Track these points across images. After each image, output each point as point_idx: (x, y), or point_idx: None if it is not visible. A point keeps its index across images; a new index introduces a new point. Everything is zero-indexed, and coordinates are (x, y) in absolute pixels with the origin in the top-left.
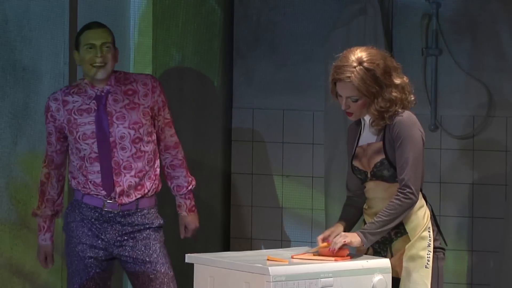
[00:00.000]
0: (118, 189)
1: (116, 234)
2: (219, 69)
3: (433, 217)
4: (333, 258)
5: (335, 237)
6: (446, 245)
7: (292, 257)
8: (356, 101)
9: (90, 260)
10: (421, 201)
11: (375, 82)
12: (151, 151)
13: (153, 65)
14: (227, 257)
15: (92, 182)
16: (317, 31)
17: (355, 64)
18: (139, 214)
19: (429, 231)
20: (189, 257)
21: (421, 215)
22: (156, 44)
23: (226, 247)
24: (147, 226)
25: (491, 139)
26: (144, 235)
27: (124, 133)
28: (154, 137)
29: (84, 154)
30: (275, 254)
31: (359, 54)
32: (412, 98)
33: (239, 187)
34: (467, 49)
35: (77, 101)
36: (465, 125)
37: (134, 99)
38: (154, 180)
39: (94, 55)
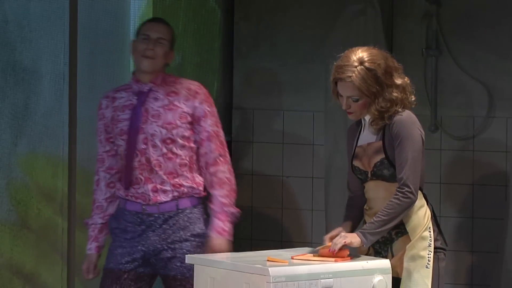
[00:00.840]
0: (150, 186)
1: (158, 239)
2: (219, 70)
3: (434, 217)
4: (333, 259)
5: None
6: (447, 246)
7: (292, 258)
8: (357, 101)
9: (126, 265)
10: (421, 201)
11: (376, 82)
12: (186, 157)
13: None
14: (227, 257)
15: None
16: (317, 32)
17: (356, 64)
18: (181, 215)
19: (429, 231)
20: (189, 258)
21: (422, 214)
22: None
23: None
24: (189, 233)
25: (491, 139)
26: (185, 250)
27: (156, 131)
28: (192, 144)
29: (121, 151)
30: (275, 254)
31: (360, 54)
32: (413, 99)
33: (239, 187)
34: (467, 50)
35: (123, 97)
36: (465, 126)
37: (174, 101)
38: (193, 184)
39: (146, 46)
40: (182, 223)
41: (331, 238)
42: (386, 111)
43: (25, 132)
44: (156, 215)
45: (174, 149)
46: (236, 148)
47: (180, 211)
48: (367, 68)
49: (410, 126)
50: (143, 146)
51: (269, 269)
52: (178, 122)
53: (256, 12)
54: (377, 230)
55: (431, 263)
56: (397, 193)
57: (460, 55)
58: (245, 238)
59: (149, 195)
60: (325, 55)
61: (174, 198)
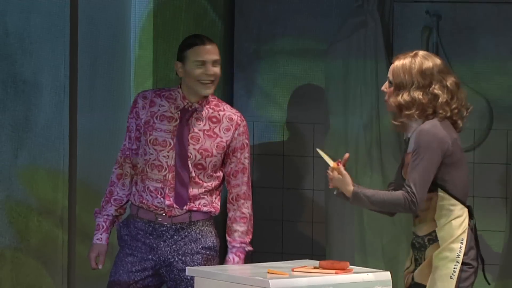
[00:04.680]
0: (167, 202)
1: (169, 250)
2: (220, 82)
3: (475, 233)
4: (333, 271)
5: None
6: (481, 263)
7: (293, 270)
8: (390, 85)
9: (137, 274)
10: (459, 212)
11: (410, 73)
12: (211, 184)
13: (154, 78)
14: (227, 270)
15: (148, 189)
16: (318, 43)
17: (412, 53)
18: (193, 227)
19: (461, 243)
20: (190, 270)
21: (456, 225)
22: (156, 57)
23: None
24: (200, 245)
25: (491, 152)
26: (197, 263)
27: (191, 154)
28: (219, 173)
29: (149, 159)
30: (275, 267)
31: (421, 51)
32: (445, 115)
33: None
34: (467, 62)
35: (163, 106)
36: (465, 138)
37: (215, 128)
38: (210, 208)
39: (205, 71)
40: (194, 235)
41: (345, 161)
42: (405, 108)
43: (25, 145)
44: (168, 225)
45: (201, 176)
46: None
47: (192, 223)
48: (414, 60)
49: (428, 136)
50: (173, 163)
51: (270, 281)
52: (214, 151)
53: (256, 24)
54: (368, 201)
55: (456, 275)
56: (405, 197)
57: (460, 67)
58: None
59: (164, 208)
60: (325, 67)
61: (188, 211)
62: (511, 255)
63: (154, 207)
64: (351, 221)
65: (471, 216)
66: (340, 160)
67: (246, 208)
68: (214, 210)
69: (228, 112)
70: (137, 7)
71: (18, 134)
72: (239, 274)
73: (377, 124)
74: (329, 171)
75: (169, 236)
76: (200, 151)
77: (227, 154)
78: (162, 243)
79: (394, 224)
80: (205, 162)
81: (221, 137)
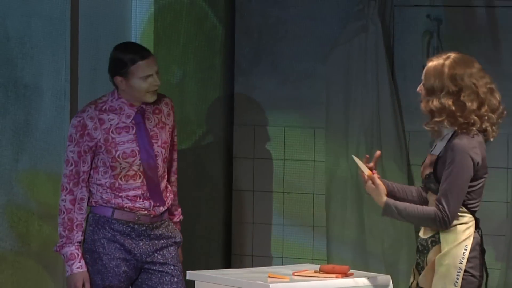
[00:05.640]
0: (148, 202)
1: (148, 249)
2: (220, 86)
3: (481, 242)
4: (334, 275)
5: (374, 183)
6: (484, 275)
7: (293, 274)
8: (424, 86)
9: (124, 275)
10: (467, 219)
11: (440, 77)
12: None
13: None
14: (228, 274)
15: (127, 198)
16: (319, 48)
17: (445, 55)
18: (163, 226)
19: (465, 249)
20: (190, 274)
21: (461, 230)
22: (157, 61)
23: (228, 264)
24: (172, 240)
25: (492, 156)
26: (173, 254)
27: (158, 152)
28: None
29: (121, 172)
30: (276, 271)
31: (455, 54)
32: (476, 127)
33: (240, 203)
34: None
35: (113, 119)
36: None
37: (161, 118)
38: (168, 198)
39: (152, 83)
40: (166, 233)
41: (376, 159)
42: (435, 114)
43: (26, 149)
44: (146, 225)
45: (164, 167)
46: (237, 164)
47: (163, 221)
48: (446, 63)
49: (464, 154)
50: (144, 168)
51: (271, 285)
52: (168, 140)
53: (257, 28)
54: (397, 217)
55: (459, 282)
56: (437, 215)
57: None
58: (246, 254)
59: (148, 209)
60: (326, 71)
61: (163, 212)
62: (511, 259)
63: (136, 208)
64: (352, 225)
65: (477, 226)
66: (372, 164)
67: (175, 182)
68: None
69: (160, 98)
70: (137, 11)
71: (19, 138)
72: (240, 278)
73: (378, 128)
74: (363, 179)
75: (146, 235)
76: (162, 145)
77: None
78: (140, 242)
79: (395, 229)
80: (167, 153)
81: (168, 124)
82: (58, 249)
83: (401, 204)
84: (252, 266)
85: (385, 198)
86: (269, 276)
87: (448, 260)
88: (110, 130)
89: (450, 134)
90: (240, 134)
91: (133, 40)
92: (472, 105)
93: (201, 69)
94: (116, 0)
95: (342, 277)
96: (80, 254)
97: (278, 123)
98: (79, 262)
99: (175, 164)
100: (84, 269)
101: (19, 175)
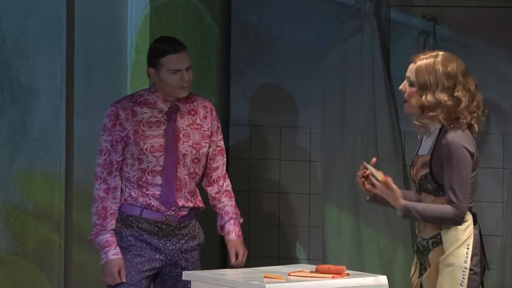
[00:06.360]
0: (180, 203)
1: (174, 249)
2: (216, 86)
3: (480, 238)
4: (330, 275)
5: (389, 186)
6: (487, 269)
7: (289, 274)
8: (411, 84)
9: (147, 273)
10: (466, 216)
11: (434, 74)
12: (200, 175)
13: (150, 82)
14: (224, 274)
15: (153, 196)
16: (314, 48)
17: (434, 53)
18: (191, 225)
19: (467, 249)
20: (186, 275)
21: (461, 229)
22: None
23: (224, 264)
24: (197, 243)
25: (488, 156)
26: (195, 259)
27: (187, 151)
28: (205, 161)
29: (148, 166)
30: (272, 271)
31: (443, 52)
32: (466, 122)
33: (236, 204)
34: None
35: (145, 113)
36: None
37: (196, 120)
38: (200, 200)
39: (181, 79)
40: (193, 232)
41: (373, 164)
42: (429, 109)
43: (22, 149)
44: (174, 225)
45: (197, 169)
46: (233, 164)
47: (190, 221)
48: (437, 60)
49: (460, 147)
50: (177, 166)
51: (267, 285)
52: (203, 142)
53: (253, 29)
54: (418, 218)
55: (465, 282)
56: (454, 213)
57: None
58: None
59: (175, 209)
60: (322, 72)
61: (192, 208)
62: (507, 259)
63: (163, 208)
64: (348, 226)
65: (474, 221)
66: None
67: (228, 186)
68: (202, 205)
69: (200, 100)
70: (133, 11)
71: (14, 138)
72: (236, 279)
73: (374, 128)
74: (376, 184)
75: (174, 235)
76: (194, 145)
77: (210, 140)
78: (168, 242)
79: (391, 229)
80: (199, 154)
81: (203, 127)
82: (93, 237)
83: (418, 205)
84: (248, 266)
85: (403, 201)
86: (265, 276)
87: (453, 260)
88: (142, 123)
89: (437, 131)
90: (236, 134)
91: (129, 40)
92: (465, 100)
93: (197, 69)
94: (112, 1)
95: (338, 277)
96: (115, 241)
97: (274, 123)
98: (115, 249)
99: (223, 169)
100: (120, 256)
101: (15, 176)
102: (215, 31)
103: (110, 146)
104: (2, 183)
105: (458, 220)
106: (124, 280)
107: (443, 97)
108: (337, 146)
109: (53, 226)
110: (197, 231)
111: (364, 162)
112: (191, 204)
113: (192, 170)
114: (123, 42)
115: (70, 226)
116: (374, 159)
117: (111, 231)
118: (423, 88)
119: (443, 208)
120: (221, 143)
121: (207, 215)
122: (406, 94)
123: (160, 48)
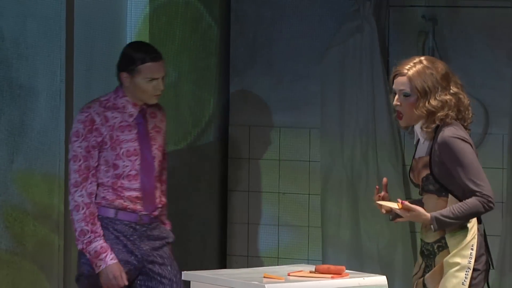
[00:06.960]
0: (156, 205)
1: (148, 249)
2: (216, 87)
3: (484, 237)
4: (329, 276)
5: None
6: (492, 268)
7: (289, 275)
8: (407, 96)
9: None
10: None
11: (430, 78)
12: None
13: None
14: (224, 274)
15: (128, 199)
16: (314, 48)
17: (416, 61)
18: (158, 226)
19: (471, 249)
20: (186, 275)
21: (466, 230)
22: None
23: (223, 265)
24: (166, 241)
25: (487, 156)
26: (168, 254)
27: (156, 154)
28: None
29: (124, 171)
30: (271, 271)
31: (422, 57)
32: (469, 115)
33: (235, 204)
34: (463, 66)
35: (116, 117)
36: None
37: (157, 122)
38: (162, 203)
39: (156, 87)
40: (161, 233)
41: (385, 186)
42: (436, 112)
43: (21, 149)
44: (147, 225)
45: (159, 171)
46: (232, 164)
47: (158, 223)
48: (425, 65)
49: (459, 141)
50: (145, 168)
51: (266, 285)
52: (163, 144)
53: (252, 29)
54: (452, 223)
55: (467, 281)
56: (482, 202)
57: (456, 72)
58: (242, 255)
59: (150, 209)
60: (321, 72)
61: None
62: (506, 259)
63: (140, 209)
64: (347, 226)
65: (479, 221)
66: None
67: (165, 194)
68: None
69: (155, 103)
70: (133, 11)
71: (14, 138)
72: (235, 279)
73: (373, 129)
74: (398, 213)
75: (146, 236)
76: (159, 148)
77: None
78: (141, 243)
79: (390, 229)
80: (162, 157)
81: (162, 128)
82: (85, 246)
83: (445, 211)
84: (247, 267)
85: (428, 214)
86: (264, 277)
87: (457, 262)
88: (114, 128)
89: (433, 133)
90: (235, 134)
91: (128, 41)
92: (463, 95)
93: (196, 70)
94: (111, 1)
95: (337, 277)
96: (109, 246)
97: (273, 124)
98: (111, 254)
99: (165, 172)
100: (117, 260)
101: (14, 176)
102: (214, 31)
103: (85, 152)
104: (2, 183)
105: (488, 207)
106: (126, 283)
107: (445, 96)
108: (337, 147)
109: (53, 226)
110: (164, 232)
111: (376, 201)
112: (160, 205)
113: (158, 173)
114: (122, 42)
115: (69, 226)
116: (385, 179)
117: (102, 237)
118: (423, 95)
119: (471, 204)
120: (165, 145)
121: (202, 219)
122: (403, 107)
123: (138, 56)
